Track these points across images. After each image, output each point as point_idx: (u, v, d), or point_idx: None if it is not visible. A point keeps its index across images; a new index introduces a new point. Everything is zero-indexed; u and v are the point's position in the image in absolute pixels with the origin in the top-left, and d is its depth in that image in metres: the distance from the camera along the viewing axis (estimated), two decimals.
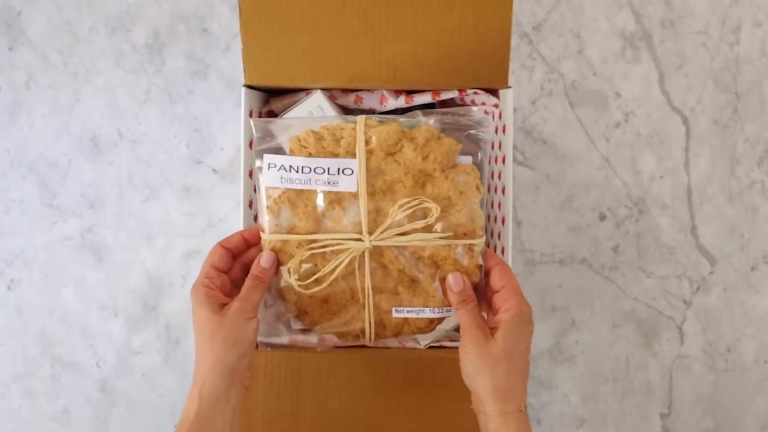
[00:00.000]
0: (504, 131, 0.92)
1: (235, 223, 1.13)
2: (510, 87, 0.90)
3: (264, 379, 0.90)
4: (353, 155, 0.81)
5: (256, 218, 0.88)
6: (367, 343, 0.85)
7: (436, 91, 0.96)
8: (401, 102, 0.97)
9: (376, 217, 0.81)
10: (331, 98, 0.98)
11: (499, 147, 0.94)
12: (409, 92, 0.99)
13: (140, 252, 1.14)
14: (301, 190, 0.82)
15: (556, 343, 1.14)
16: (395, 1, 0.88)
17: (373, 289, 0.83)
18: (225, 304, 0.76)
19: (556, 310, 1.14)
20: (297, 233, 0.82)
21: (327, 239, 0.82)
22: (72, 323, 1.15)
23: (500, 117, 0.94)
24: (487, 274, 0.80)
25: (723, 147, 1.15)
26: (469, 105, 1.02)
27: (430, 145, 0.81)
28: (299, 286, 0.81)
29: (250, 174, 0.93)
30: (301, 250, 0.82)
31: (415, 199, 0.80)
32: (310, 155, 0.81)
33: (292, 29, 0.89)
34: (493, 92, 0.95)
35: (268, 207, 0.81)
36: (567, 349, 1.14)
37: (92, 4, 1.13)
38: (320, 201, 0.83)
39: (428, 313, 0.83)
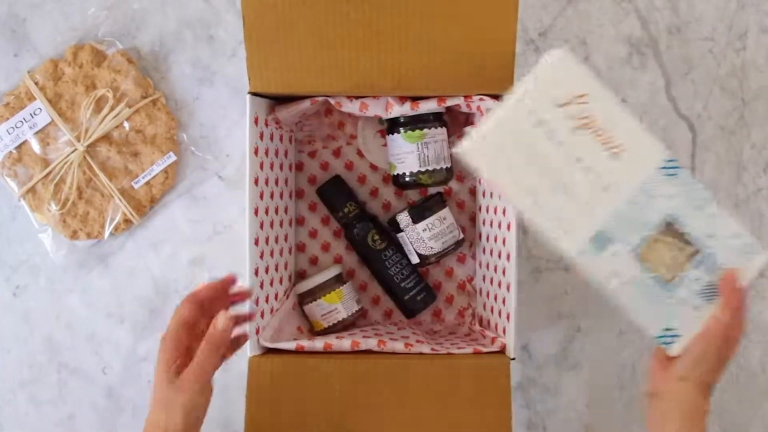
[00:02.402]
0: None
1: (240, 230, 1.13)
2: None
3: (270, 386, 0.90)
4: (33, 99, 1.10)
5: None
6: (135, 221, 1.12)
7: (441, 98, 0.96)
8: (407, 108, 0.97)
9: (77, 126, 1.11)
10: (337, 105, 0.98)
11: None
12: (415, 99, 0.99)
13: (146, 259, 1.14)
14: (19, 145, 1.11)
15: (562, 349, 1.14)
16: (399, 11, 0.88)
17: (109, 177, 1.11)
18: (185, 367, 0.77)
19: (563, 316, 1.14)
20: (36, 178, 1.11)
21: (55, 165, 1.10)
22: (78, 330, 1.15)
23: None
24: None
25: (729, 153, 1.15)
26: (474, 112, 1.02)
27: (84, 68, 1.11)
28: (61, 213, 1.10)
29: (256, 181, 0.94)
30: (47, 186, 1.11)
31: (92, 95, 1.08)
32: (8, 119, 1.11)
33: (296, 38, 0.89)
34: (499, 98, 0.95)
35: (7, 175, 1.11)
36: (573, 356, 1.14)
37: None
38: (35, 146, 1.11)
39: (157, 168, 1.12)
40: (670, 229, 0.84)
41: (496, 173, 0.82)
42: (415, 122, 1.02)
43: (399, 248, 1.09)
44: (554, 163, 0.81)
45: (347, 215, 1.09)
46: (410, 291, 1.08)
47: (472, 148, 0.82)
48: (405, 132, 1.02)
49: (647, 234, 0.84)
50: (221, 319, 0.78)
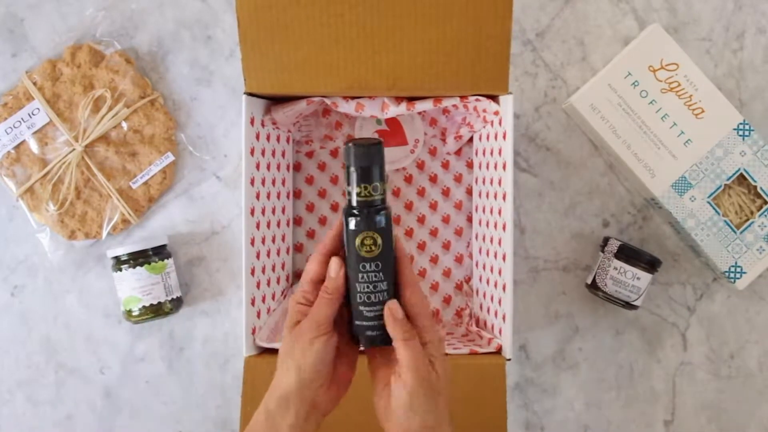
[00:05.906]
0: (504, 137, 0.92)
1: (238, 230, 1.13)
2: (510, 93, 0.90)
3: (265, 386, 0.90)
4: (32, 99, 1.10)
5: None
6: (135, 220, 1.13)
7: (437, 98, 0.96)
8: (402, 109, 0.97)
9: (75, 126, 1.11)
10: (333, 106, 0.98)
11: (500, 153, 0.94)
12: (411, 99, 0.99)
13: None
14: (17, 146, 1.11)
15: (560, 350, 1.14)
16: (394, 12, 0.88)
17: (107, 177, 1.11)
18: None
19: (560, 317, 1.14)
20: (34, 178, 1.11)
21: (53, 165, 1.10)
22: (76, 330, 1.15)
23: (500, 123, 0.94)
24: (397, 288, 0.75)
25: None
26: (471, 112, 1.02)
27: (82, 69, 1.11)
28: (59, 213, 1.10)
29: (252, 181, 0.94)
30: (45, 186, 1.11)
31: (90, 95, 1.09)
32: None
33: (291, 39, 0.89)
34: (494, 98, 0.95)
35: (5, 175, 1.11)
36: (571, 356, 1.14)
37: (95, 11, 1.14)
38: (33, 146, 1.11)
39: (155, 168, 1.12)
40: (742, 182, 1.06)
41: (597, 123, 1.05)
42: (155, 254, 1.10)
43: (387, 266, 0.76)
44: (646, 117, 1.05)
45: (372, 194, 0.73)
46: (365, 320, 0.76)
47: (577, 101, 1.05)
48: (150, 264, 1.08)
49: (721, 183, 1.05)
50: (332, 266, 0.74)
